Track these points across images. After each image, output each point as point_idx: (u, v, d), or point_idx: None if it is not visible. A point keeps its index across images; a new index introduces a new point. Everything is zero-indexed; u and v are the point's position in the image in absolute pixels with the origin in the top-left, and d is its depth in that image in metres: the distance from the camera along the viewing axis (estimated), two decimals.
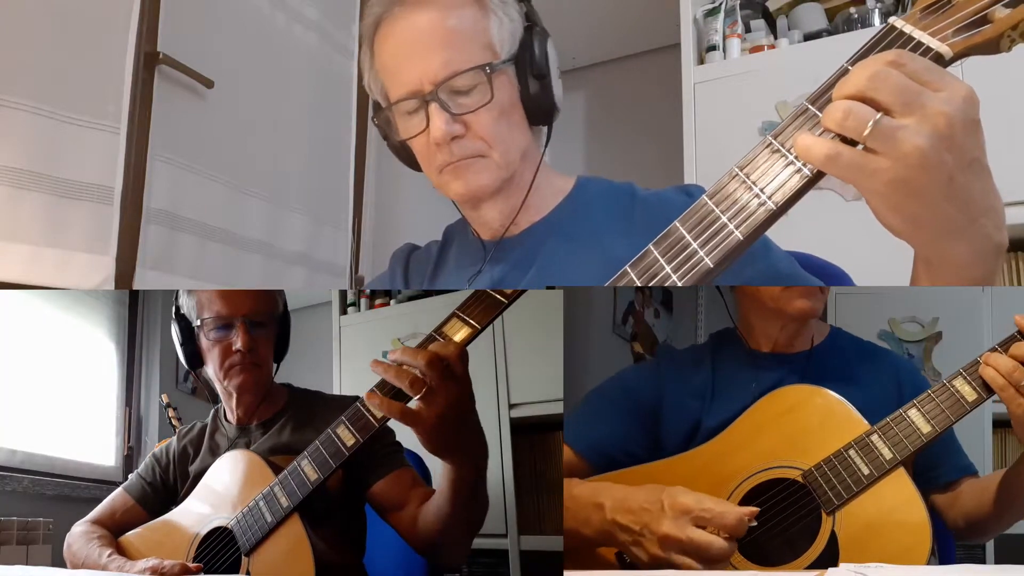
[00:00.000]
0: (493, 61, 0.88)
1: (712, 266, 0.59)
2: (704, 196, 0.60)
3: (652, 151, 2.54)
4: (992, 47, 0.55)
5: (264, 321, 1.01)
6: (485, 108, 0.87)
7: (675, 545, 0.69)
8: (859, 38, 1.88)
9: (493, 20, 0.90)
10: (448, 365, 0.70)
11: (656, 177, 2.30)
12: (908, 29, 0.57)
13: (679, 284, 0.60)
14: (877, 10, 1.96)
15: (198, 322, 1.01)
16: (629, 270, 0.64)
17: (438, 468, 0.80)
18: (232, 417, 1.03)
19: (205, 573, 0.88)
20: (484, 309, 0.74)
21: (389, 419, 0.77)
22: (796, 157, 0.57)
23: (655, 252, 0.62)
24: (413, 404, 0.71)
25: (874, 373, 0.85)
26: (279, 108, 2.10)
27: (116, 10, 1.60)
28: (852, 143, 0.53)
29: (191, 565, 0.86)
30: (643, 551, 0.70)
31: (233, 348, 0.98)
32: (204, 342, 1.01)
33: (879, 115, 0.52)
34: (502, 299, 0.74)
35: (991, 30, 0.55)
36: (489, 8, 0.90)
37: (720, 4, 2.06)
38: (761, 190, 0.58)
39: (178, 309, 1.03)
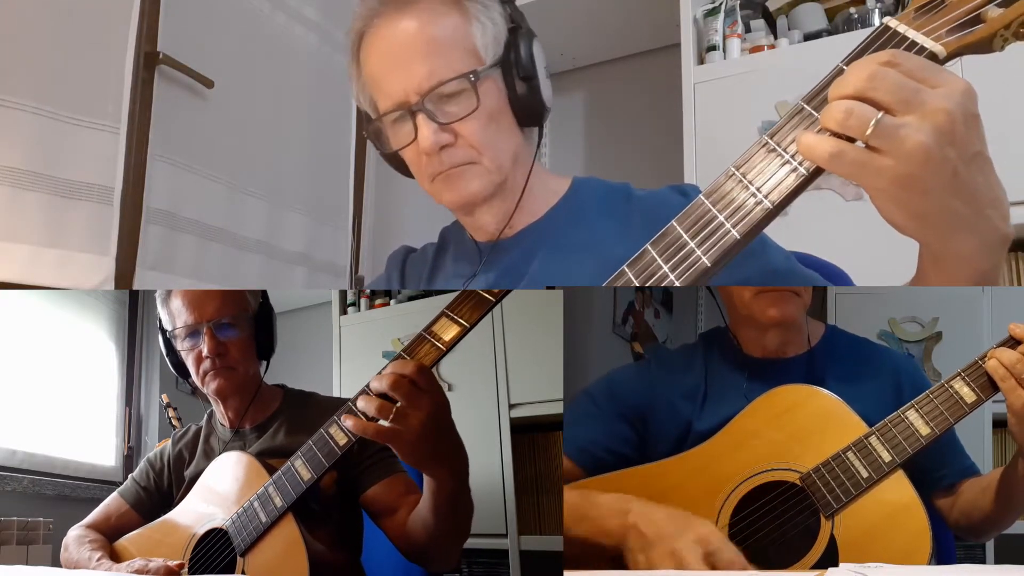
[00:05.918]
0: (477, 68, 0.87)
1: (709, 265, 0.59)
2: (701, 195, 0.60)
3: (652, 151, 2.53)
4: (985, 46, 0.56)
5: (234, 322, 0.99)
6: (472, 116, 0.87)
7: (677, 563, 0.66)
8: (859, 38, 1.89)
9: (476, 26, 0.89)
10: (411, 381, 0.71)
11: (656, 177, 2.29)
12: (902, 29, 0.58)
13: (677, 284, 0.60)
14: (877, 10, 1.96)
15: (172, 333, 1.00)
16: (627, 270, 0.64)
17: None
18: (225, 421, 1.02)
19: (201, 574, 0.88)
20: (473, 307, 0.75)
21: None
22: (793, 156, 0.57)
23: (652, 252, 0.62)
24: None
25: (873, 372, 0.83)
26: (279, 108, 2.10)
27: (116, 10, 1.60)
28: (851, 142, 0.53)
29: (172, 564, 0.86)
30: (643, 557, 0.68)
31: (203, 355, 0.97)
32: (181, 352, 1.00)
33: (880, 114, 0.52)
34: (490, 297, 0.75)
35: (984, 29, 0.55)
36: (471, 14, 0.89)
37: (720, 4, 2.06)
38: (758, 189, 0.58)
39: (160, 321, 1.03)
